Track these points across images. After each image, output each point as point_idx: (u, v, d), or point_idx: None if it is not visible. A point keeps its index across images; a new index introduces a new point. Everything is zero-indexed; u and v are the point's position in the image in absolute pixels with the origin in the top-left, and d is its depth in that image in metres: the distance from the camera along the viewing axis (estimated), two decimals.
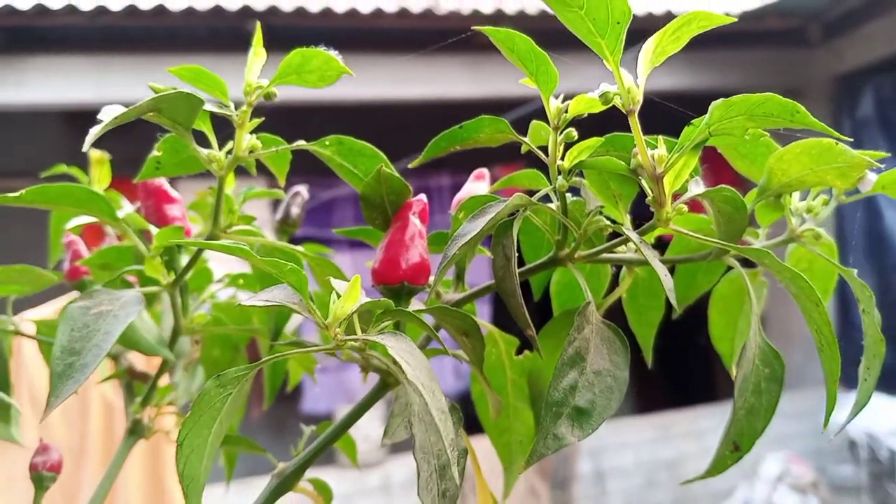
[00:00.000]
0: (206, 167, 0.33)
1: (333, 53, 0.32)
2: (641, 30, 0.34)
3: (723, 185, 0.30)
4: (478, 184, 0.38)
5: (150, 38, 3.41)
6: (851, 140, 0.31)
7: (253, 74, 0.33)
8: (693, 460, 3.89)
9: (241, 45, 3.53)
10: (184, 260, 0.39)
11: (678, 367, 6.08)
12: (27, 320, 0.52)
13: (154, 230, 0.39)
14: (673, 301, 0.29)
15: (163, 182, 0.41)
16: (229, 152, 0.34)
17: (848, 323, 3.96)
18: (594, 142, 0.31)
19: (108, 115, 0.28)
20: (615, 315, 0.37)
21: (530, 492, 3.75)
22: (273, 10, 3.03)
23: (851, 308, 3.94)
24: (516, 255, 0.31)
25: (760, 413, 0.32)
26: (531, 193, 0.34)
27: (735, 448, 0.33)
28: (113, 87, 3.37)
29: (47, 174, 0.56)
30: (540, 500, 3.71)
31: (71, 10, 3.02)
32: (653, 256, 0.30)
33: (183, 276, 0.36)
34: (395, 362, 0.25)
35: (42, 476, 0.39)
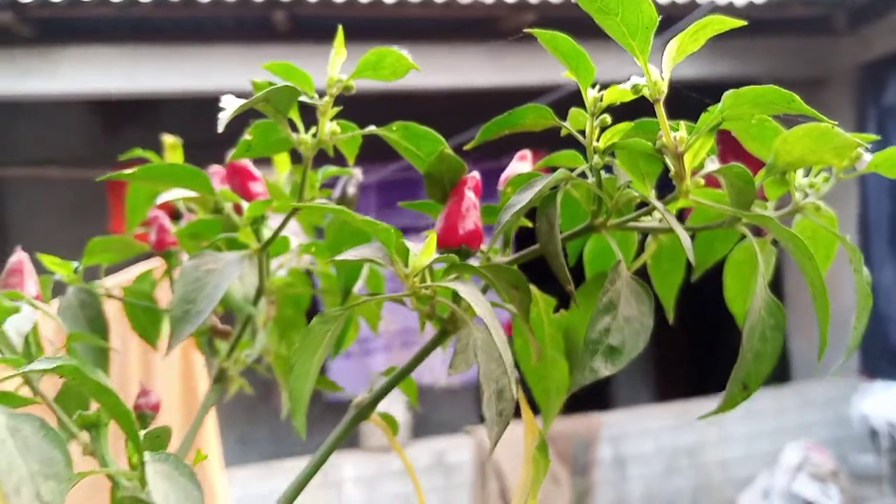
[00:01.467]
0: (294, 147, 0.40)
1: (404, 52, 0.38)
2: (666, 17, 0.39)
3: (734, 163, 0.36)
4: (521, 163, 0.44)
5: (178, 28, 3.49)
6: (876, 133, 0.37)
7: (335, 70, 0.39)
8: (714, 447, 3.92)
9: (266, 35, 3.59)
10: (265, 231, 0.46)
11: (699, 356, 6.09)
12: (113, 285, 0.59)
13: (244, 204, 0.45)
14: (691, 258, 0.35)
15: (248, 163, 0.48)
16: (314, 135, 0.40)
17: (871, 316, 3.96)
18: (625, 126, 0.37)
19: (230, 105, 0.34)
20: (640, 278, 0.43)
21: (551, 477, 3.82)
22: (298, 1, 3.09)
23: (875, 301, 3.94)
24: (558, 222, 0.37)
25: (765, 357, 0.38)
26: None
27: (744, 387, 0.39)
28: (142, 77, 3.46)
29: (125, 157, 0.63)
30: (560, 485, 3.77)
31: (102, 1, 3.10)
32: (675, 222, 0.36)
33: (271, 242, 0.43)
34: (464, 305, 0.31)
35: (144, 414, 0.46)
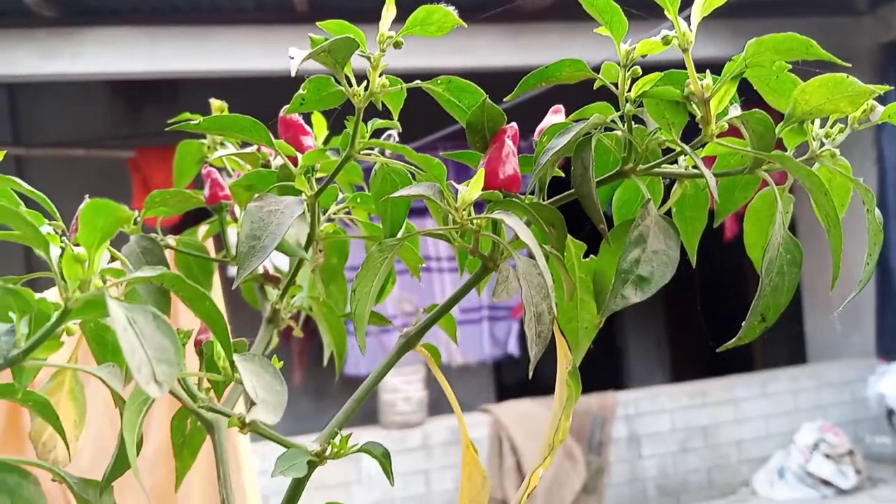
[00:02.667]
0: (348, 98, 0.43)
1: (451, 9, 0.41)
2: None
3: (756, 109, 0.39)
4: (556, 116, 0.47)
5: (197, 10, 3.52)
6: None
7: (385, 26, 0.43)
8: (729, 427, 3.95)
9: (286, 16, 3.61)
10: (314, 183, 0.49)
11: (716, 337, 6.11)
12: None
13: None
14: (715, 195, 0.38)
15: (299, 117, 0.51)
16: (365, 89, 0.43)
17: (887, 298, 3.96)
18: (655, 76, 0.40)
19: (297, 55, 0.38)
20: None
21: (567, 455, 3.86)
22: None
23: (890, 284, 3.93)
24: (593, 165, 0.40)
25: (783, 290, 0.41)
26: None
27: (762, 319, 0.42)
28: (162, 59, 3.50)
29: (174, 121, 0.66)
30: (576, 463, 3.82)
31: None
32: (701, 164, 0.39)
33: (325, 188, 0.46)
34: (509, 238, 0.35)
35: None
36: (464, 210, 0.37)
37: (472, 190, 0.37)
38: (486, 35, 3.60)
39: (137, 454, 0.35)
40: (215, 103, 0.68)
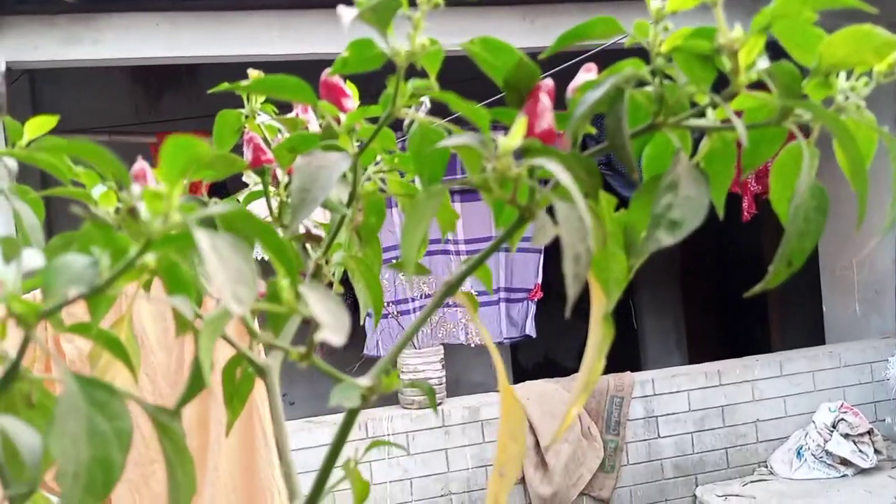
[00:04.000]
0: (390, 59, 0.45)
1: None
2: None
3: (783, 60, 0.41)
4: (588, 74, 0.49)
5: None
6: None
7: None
8: (747, 407, 3.96)
9: (305, 2, 3.62)
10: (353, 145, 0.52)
11: (733, 318, 6.10)
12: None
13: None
14: (745, 141, 0.40)
15: (339, 80, 0.54)
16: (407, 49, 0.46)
17: None
18: (685, 31, 0.42)
19: (347, 13, 0.40)
20: None
21: (585, 434, 3.90)
22: None
23: None
24: (626, 117, 0.42)
25: (808, 235, 0.43)
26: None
27: (788, 263, 0.44)
28: (182, 45, 3.54)
29: (216, 89, 0.69)
30: (594, 442, 3.86)
31: None
32: (732, 114, 0.41)
33: (368, 144, 0.49)
34: (552, 186, 0.37)
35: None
36: (505, 158, 0.39)
37: (513, 137, 0.39)
38: (499, 17, 3.60)
39: (200, 390, 0.37)
40: (253, 74, 0.70)
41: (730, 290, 6.09)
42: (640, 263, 0.49)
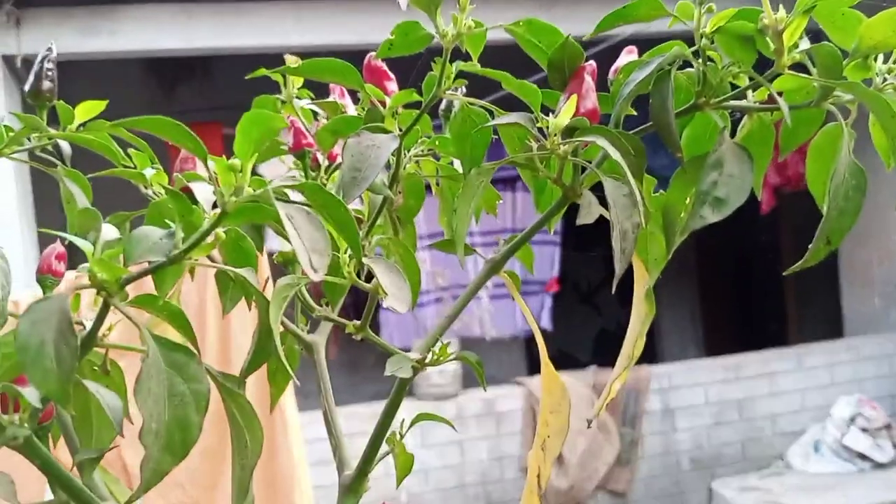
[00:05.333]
0: (436, 40, 0.47)
1: None
2: None
3: (824, 42, 0.42)
4: (630, 55, 0.50)
5: None
6: None
7: None
8: (763, 400, 3.95)
9: None
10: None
11: (751, 312, 6.07)
12: None
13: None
14: (787, 119, 0.41)
15: (382, 63, 0.55)
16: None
17: None
18: (729, 12, 0.43)
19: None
20: None
21: (601, 427, 3.90)
22: None
23: None
24: (672, 96, 0.43)
25: (847, 214, 0.44)
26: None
27: (827, 242, 0.45)
28: (197, 36, 3.56)
29: (254, 74, 0.70)
30: (610, 435, 3.86)
31: None
32: (775, 93, 0.42)
33: (413, 126, 0.50)
34: (594, 164, 0.38)
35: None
36: (555, 136, 0.40)
37: (563, 115, 0.40)
38: (519, 8, 3.60)
39: (266, 359, 0.39)
40: (289, 58, 0.72)
41: (747, 284, 6.06)
42: (679, 243, 0.50)
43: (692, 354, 5.39)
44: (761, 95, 0.49)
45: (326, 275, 0.41)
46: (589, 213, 0.41)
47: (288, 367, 0.33)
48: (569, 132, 0.42)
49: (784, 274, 0.47)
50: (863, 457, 3.74)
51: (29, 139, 0.58)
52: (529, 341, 5.24)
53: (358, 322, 0.42)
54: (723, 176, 0.42)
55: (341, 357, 4.75)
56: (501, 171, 0.51)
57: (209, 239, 0.34)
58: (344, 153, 0.46)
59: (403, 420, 0.52)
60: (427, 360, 0.42)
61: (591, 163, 0.43)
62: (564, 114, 0.40)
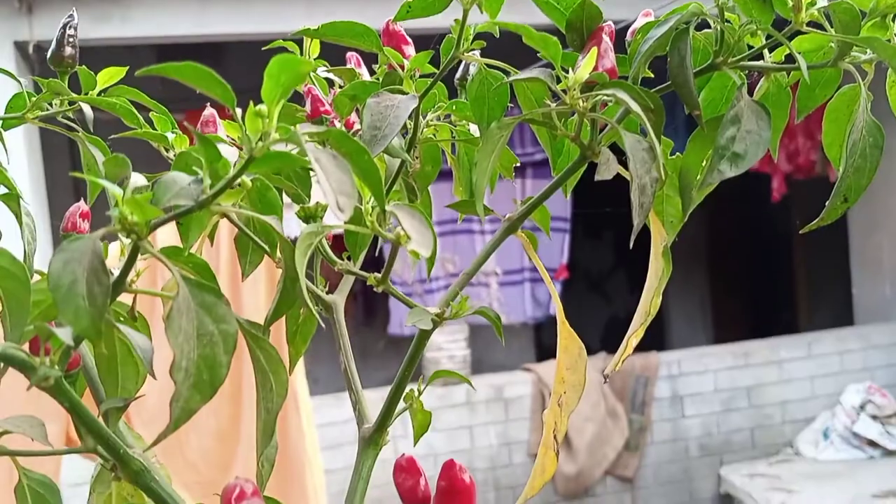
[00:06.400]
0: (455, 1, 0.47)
1: None
2: None
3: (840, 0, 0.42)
4: (646, 18, 0.51)
5: None
6: None
7: None
8: (773, 388, 3.95)
9: None
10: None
11: (761, 300, 6.06)
12: None
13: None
14: (807, 76, 0.41)
15: (400, 27, 0.55)
16: None
17: None
18: None
19: None
20: None
21: (610, 413, 3.91)
22: None
23: None
24: (690, 54, 0.44)
25: (865, 172, 0.44)
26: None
27: (844, 200, 0.45)
28: (209, 22, 3.56)
29: (270, 46, 0.70)
30: (619, 421, 3.87)
31: None
32: (794, 50, 0.42)
33: (431, 88, 0.51)
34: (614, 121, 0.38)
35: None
36: (574, 90, 0.41)
37: (584, 69, 0.40)
38: None
39: (291, 306, 0.40)
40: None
41: (758, 272, 6.04)
42: (695, 205, 0.51)
43: (701, 342, 5.39)
44: (778, 57, 0.49)
45: (349, 222, 0.42)
46: (607, 168, 0.42)
47: (314, 311, 0.33)
48: (588, 88, 0.43)
49: (800, 232, 0.47)
50: (873, 444, 3.74)
51: (50, 105, 0.59)
52: (538, 328, 5.25)
53: (378, 275, 0.43)
54: (741, 131, 0.42)
55: (352, 343, 4.77)
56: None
57: (236, 184, 0.35)
58: (363, 113, 0.47)
59: (422, 376, 0.52)
60: (446, 315, 0.43)
61: (610, 121, 0.43)
62: (584, 67, 0.40)
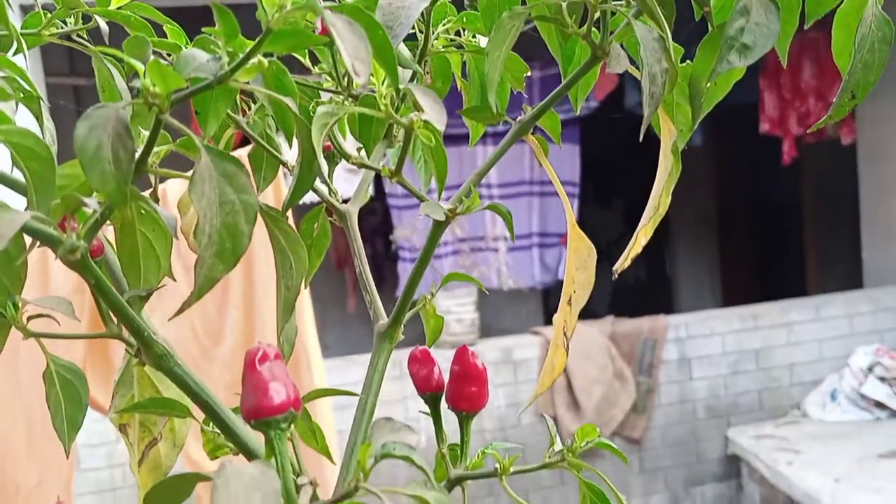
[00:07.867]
0: None
1: None
2: None
3: None
4: None
5: None
6: None
7: None
8: (781, 350, 3.96)
9: None
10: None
11: (770, 265, 6.05)
12: None
13: None
14: None
15: None
16: None
17: None
18: None
19: None
20: None
21: (617, 375, 3.94)
22: None
23: None
24: None
25: (873, 67, 0.45)
26: None
27: (852, 96, 0.45)
28: None
29: None
30: (626, 383, 3.90)
31: None
32: None
33: (435, 3, 0.51)
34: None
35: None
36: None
37: None
38: None
39: (309, 187, 0.41)
40: None
41: (767, 236, 6.02)
42: (704, 115, 0.51)
43: (710, 306, 5.40)
44: None
45: (362, 105, 0.42)
46: (618, 63, 0.42)
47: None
48: None
49: (807, 131, 0.48)
50: (880, 405, 3.76)
51: (65, 23, 0.60)
52: (546, 292, 5.27)
53: (392, 168, 0.44)
54: (749, 23, 0.43)
55: (360, 308, 4.81)
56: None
57: (253, 61, 0.35)
58: (377, 13, 0.47)
59: (434, 281, 0.54)
60: (459, 210, 0.44)
61: (620, 18, 0.44)
62: None
